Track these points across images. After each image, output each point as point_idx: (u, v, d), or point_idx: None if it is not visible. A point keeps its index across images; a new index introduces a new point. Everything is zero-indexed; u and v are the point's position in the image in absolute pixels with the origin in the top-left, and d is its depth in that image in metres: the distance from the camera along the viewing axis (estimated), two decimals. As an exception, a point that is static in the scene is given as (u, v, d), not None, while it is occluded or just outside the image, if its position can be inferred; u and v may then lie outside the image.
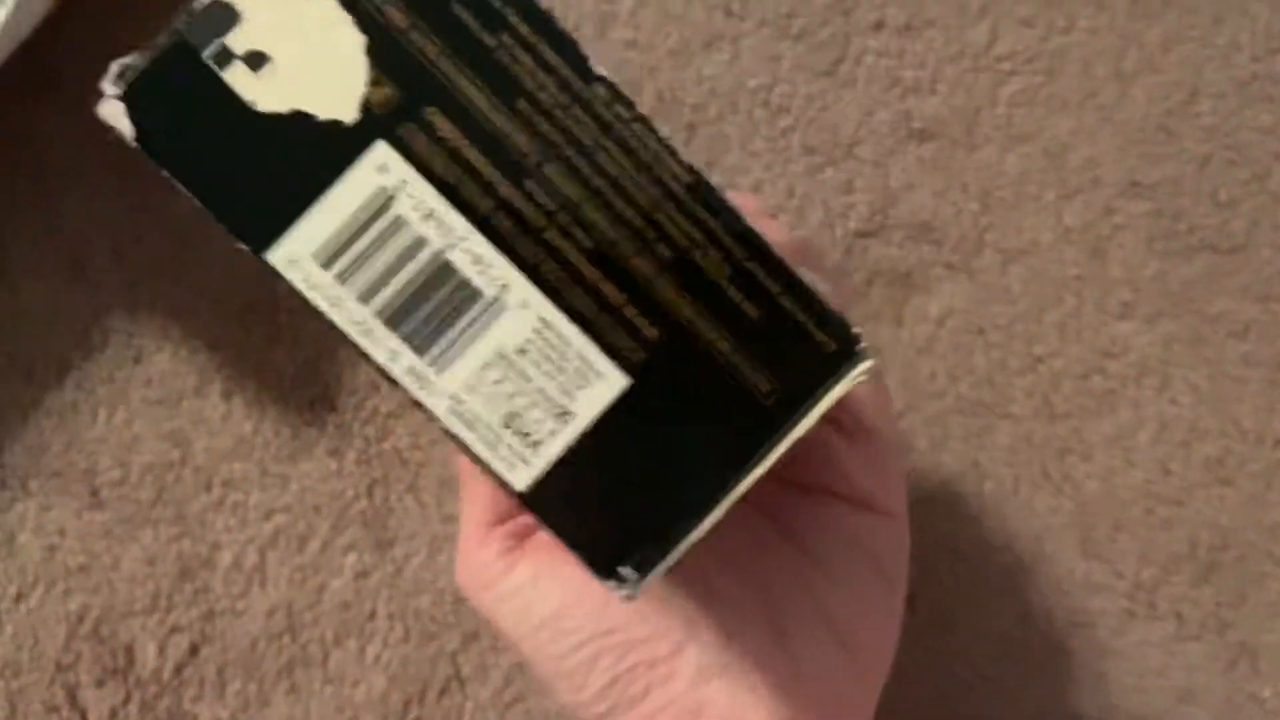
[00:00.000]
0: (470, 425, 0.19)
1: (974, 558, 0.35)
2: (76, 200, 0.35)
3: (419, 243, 0.19)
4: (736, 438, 0.19)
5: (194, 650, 0.34)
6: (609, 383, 0.19)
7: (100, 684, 0.34)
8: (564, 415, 0.19)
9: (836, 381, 0.19)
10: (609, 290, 0.19)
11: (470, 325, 0.19)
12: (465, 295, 0.19)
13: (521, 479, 0.19)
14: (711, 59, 0.35)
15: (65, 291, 0.35)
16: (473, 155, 0.19)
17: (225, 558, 0.34)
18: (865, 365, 0.19)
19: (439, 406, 0.19)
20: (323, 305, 0.19)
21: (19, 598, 0.34)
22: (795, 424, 0.19)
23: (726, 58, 0.35)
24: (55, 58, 0.35)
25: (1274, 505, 0.35)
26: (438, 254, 0.19)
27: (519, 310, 0.19)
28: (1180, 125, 0.36)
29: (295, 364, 0.35)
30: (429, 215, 0.19)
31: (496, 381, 0.19)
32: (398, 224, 0.19)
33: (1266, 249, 0.36)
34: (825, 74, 0.36)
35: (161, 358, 0.35)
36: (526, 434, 0.19)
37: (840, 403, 0.25)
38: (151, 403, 0.35)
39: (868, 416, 0.25)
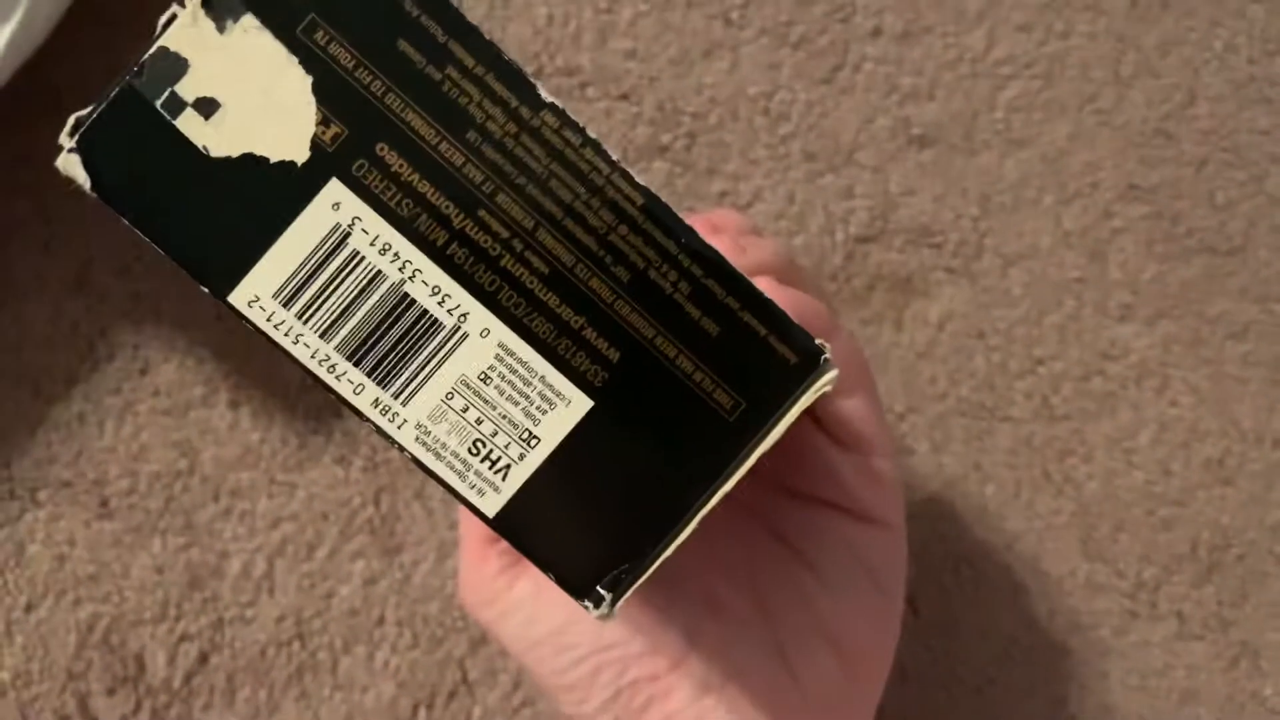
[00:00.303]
0: (438, 454, 0.20)
1: (976, 560, 0.35)
2: (79, 216, 0.35)
3: (377, 277, 0.19)
4: (703, 454, 0.20)
5: (204, 658, 0.34)
6: (573, 405, 0.19)
7: (111, 693, 0.34)
8: (530, 440, 0.19)
9: (801, 394, 0.20)
10: (568, 314, 0.19)
11: (432, 355, 0.19)
12: (425, 326, 0.19)
13: (491, 505, 0.20)
14: (711, 67, 0.36)
15: (70, 305, 0.35)
16: (425, 188, 0.19)
17: (234, 566, 0.35)
18: (829, 375, 0.20)
19: (405, 437, 0.19)
20: (285, 343, 0.19)
21: (29, 607, 0.34)
22: (761, 438, 0.20)
23: (726, 66, 0.36)
24: (57, 78, 0.35)
25: (1274, 505, 0.35)
26: (395, 287, 0.19)
27: (480, 338, 0.19)
28: (1178, 128, 0.36)
29: (301, 373, 0.35)
30: (385, 249, 0.19)
31: (461, 410, 0.19)
32: (354, 260, 0.19)
33: (1264, 250, 0.36)
34: (824, 81, 0.36)
35: (168, 369, 0.35)
36: (494, 460, 0.19)
37: (836, 415, 0.25)
38: (159, 413, 0.35)
39: (864, 428, 0.25)
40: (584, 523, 0.20)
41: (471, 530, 0.27)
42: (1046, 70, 0.36)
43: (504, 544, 0.26)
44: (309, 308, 0.19)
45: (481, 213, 0.19)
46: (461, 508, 0.26)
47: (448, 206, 0.19)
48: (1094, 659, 0.35)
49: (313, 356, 0.19)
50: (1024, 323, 0.35)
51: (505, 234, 0.19)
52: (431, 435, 0.19)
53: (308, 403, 0.35)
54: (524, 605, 0.25)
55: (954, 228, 0.36)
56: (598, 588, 0.20)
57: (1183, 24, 0.36)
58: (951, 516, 0.35)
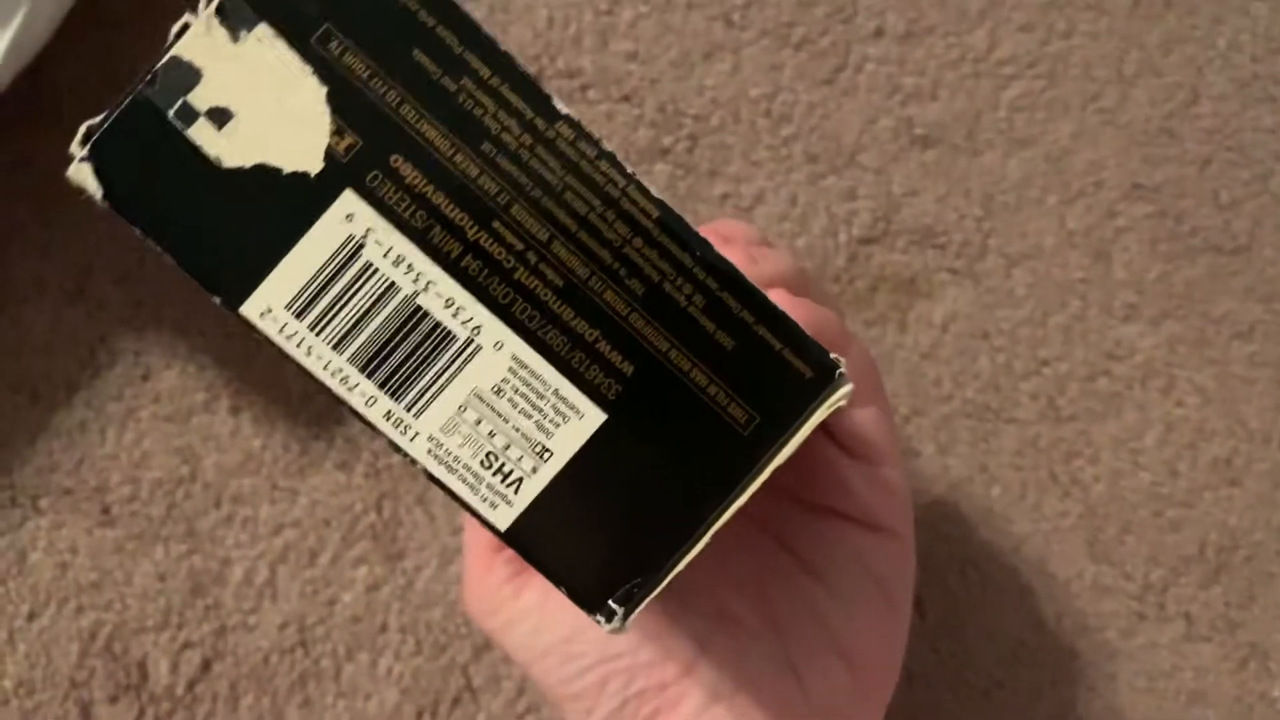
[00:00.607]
0: (450, 467, 0.19)
1: (982, 562, 0.35)
2: (78, 223, 0.35)
3: (390, 289, 0.19)
4: (717, 468, 0.19)
5: (206, 666, 0.34)
6: (586, 419, 0.19)
7: (114, 700, 0.34)
8: (543, 453, 0.19)
9: (815, 408, 0.19)
10: (582, 327, 0.19)
11: (445, 368, 0.19)
12: (439, 338, 0.19)
13: (503, 518, 0.19)
14: (713, 69, 0.35)
15: (70, 312, 0.35)
16: (439, 199, 0.19)
17: (236, 573, 0.35)
18: (844, 390, 0.19)
19: (418, 450, 0.19)
20: (297, 355, 0.19)
21: (32, 616, 0.34)
22: (775, 452, 0.19)
23: (728, 68, 0.36)
24: (57, 84, 0.35)
25: (1281, 505, 0.35)
26: (409, 299, 0.19)
27: (493, 351, 0.19)
28: (1182, 127, 0.36)
29: (302, 379, 0.35)
30: (398, 261, 0.19)
31: (474, 422, 0.19)
32: (368, 271, 0.19)
33: (1269, 249, 0.36)
34: (826, 82, 0.36)
35: (169, 375, 0.35)
36: (506, 473, 0.19)
37: (847, 425, 0.25)
38: (160, 419, 0.35)
39: (875, 438, 0.25)
40: (596, 536, 0.19)
41: (477, 538, 0.26)
42: (1049, 69, 0.36)
43: (510, 552, 0.26)
44: (322, 319, 0.19)
45: (496, 224, 0.19)
46: (467, 516, 0.26)
47: (462, 218, 0.19)
48: (1101, 661, 0.35)
49: (325, 368, 0.19)
50: (1028, 323, 0.35)
51: (520, 246, 0.19)
52: (444, 448, 0.19)
53: (309, 409, 0.35)
54: (530, 614, 0.25)
55: (957, 228, 0.35)
56: (610, 602, 0.19)
57: (1186, 22, 0.36)
58: (957, 519, 0.35)
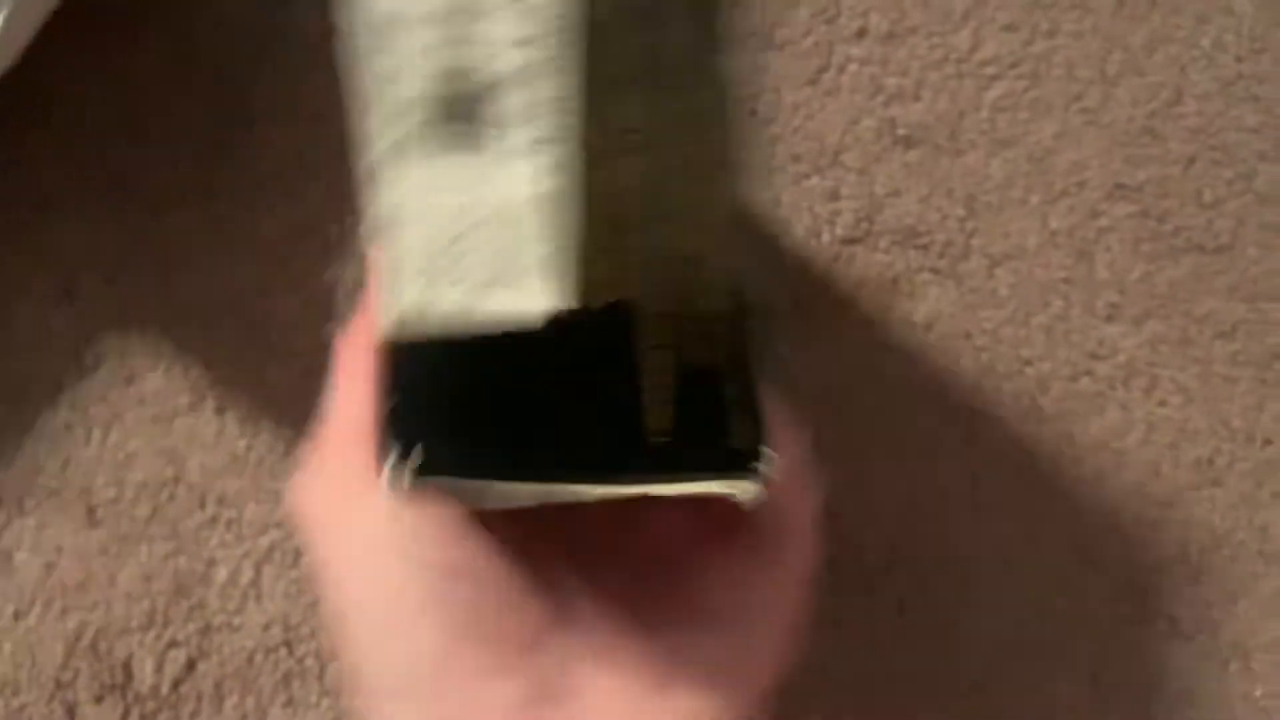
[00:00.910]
0: (401, 245, 0.18)
1: (968, 563, 0.35)
2: (66, 225, 0.35)
3: (493, 57, 0.18)
4: (605, 450, 0.18)
5: (191, 665, 0.34)
6: (533, 302, 0.18)
7: (99, 700, 0.34)
8: (488, 287, 0.18)
9: (716, 479, 0.19)
10: (606, 237, 0.18)
11: (479, 156, 0.18)
12: (497, 127, 0.18)
13: (406, 323, 0.18)
14: (695, 70, 0.36)
15: (56, 314, 0.35)
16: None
17: (221, 573, 0.35)
18: (748, 491, 0.18)
19: (385, 201, 0.18)
20: (389, 61, 0.18)
21: (17, 616, 0.34)
22: (658, 482, 0.18)
23: (710, 68, 0.36)
24: (47, 84, 0.35)
25: (1264, 505, 0.35)
26: (500, 76, 0.18)
27: (526, 178, 0.18)
28: (1165, 127, 0.36)
29: (287, 381, 0.35)
30: (523, 44, 0.18)
31: (451, 216, 0.18)
32: (488, 37, 0.18)
33: (1253, 248, 0.36)
34: (809, 83, 0.36)
35: (154, 377, 0.35)
36: (458, 284, 0.18)
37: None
38: (145, 421, 0.35)
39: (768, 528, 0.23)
40: (460, 415, 0.18)
41: (347, 412, 0.23)
42: (1033, 70, 0.36)
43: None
44: (434, 49, 0.18)
45: (622, 98, 0.18)
46: (339, 390, 0.23)
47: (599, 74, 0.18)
48: (1085, 661, 0.35)
49: (402, 82, 0.18)
50: (1011, 323, 0.35)
51: (632, 123, 0.18)
52: (408, 228, 0.18)
53: (295, 410, 0.35)
54: (400, 512, 0.22)
55: (940, 228, 0.35)
56: (417, 466, 0.18)
57: (1170, 22, 0.36)
58: (941, 519, 0.35)
